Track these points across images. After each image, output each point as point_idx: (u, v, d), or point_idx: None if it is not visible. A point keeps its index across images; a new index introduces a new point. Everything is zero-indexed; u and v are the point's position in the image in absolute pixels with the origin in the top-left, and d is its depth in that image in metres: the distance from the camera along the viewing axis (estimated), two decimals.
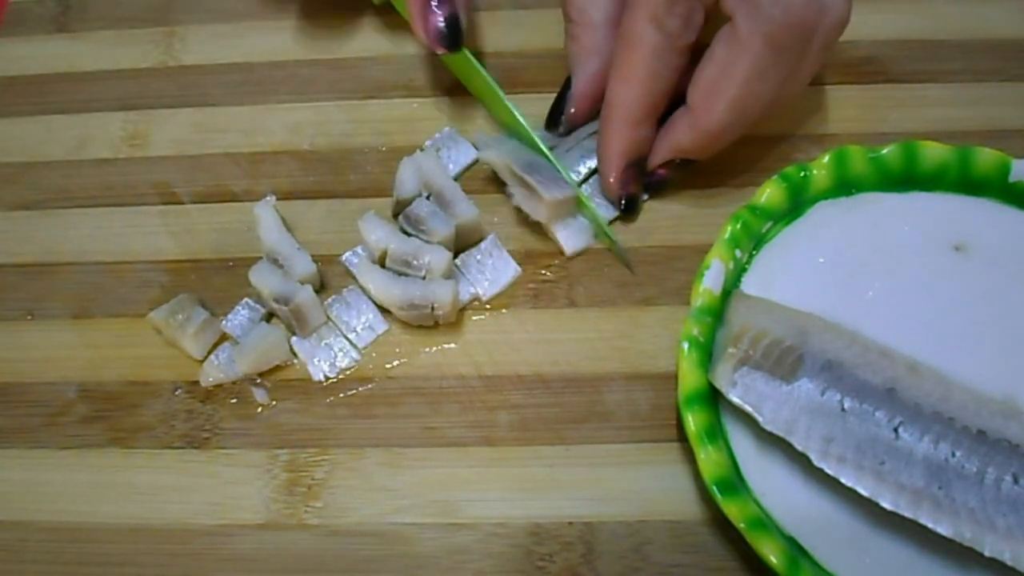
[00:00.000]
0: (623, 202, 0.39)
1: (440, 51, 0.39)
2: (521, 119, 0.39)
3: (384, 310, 0.38)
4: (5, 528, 0.35)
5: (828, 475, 0.30)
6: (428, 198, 0.39)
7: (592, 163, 0.40)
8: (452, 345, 0.38)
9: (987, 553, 0.28)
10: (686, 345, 0.33)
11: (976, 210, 0.36)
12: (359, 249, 0.39)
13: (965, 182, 0.36)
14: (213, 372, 0.37)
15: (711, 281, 0.34)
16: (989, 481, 0.29)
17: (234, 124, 0.45)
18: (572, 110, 0.40)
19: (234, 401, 0.37)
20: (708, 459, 0.31)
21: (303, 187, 0.42)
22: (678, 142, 0.37)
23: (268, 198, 0.40)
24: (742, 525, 0.30)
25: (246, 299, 0.38)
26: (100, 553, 0.34)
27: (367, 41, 0.47)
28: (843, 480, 0.30)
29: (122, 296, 0.40)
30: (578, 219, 0.39)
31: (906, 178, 0.37)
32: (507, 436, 0.36)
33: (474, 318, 0.38)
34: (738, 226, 0.35)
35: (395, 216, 0.40)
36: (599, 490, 0.34)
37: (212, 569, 0.34)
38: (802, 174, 0.37)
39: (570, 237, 0.39)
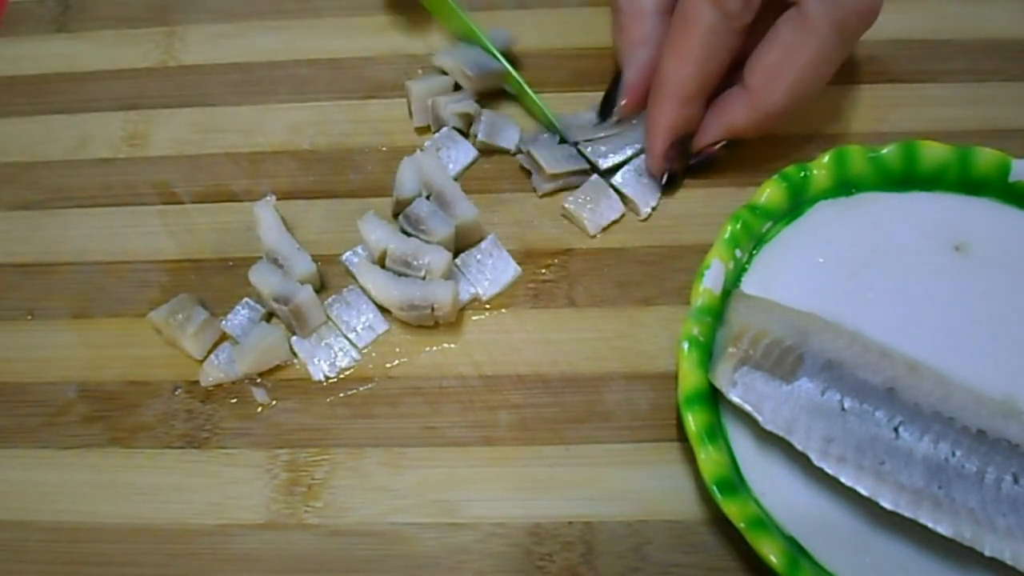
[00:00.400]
0: (665, 177, 0.39)
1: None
2: (476, 28, 0.42)
3: (384, 310, 0.38)
4: (5, 528, 0.35)
5: (828, 475, 0.30)
6: (428, 198, 0.39)
7: (631, 150, 0.40)
8: (452, 345, 0.38)
9: (987, 553, 0.28)
10: (686, 345, 0.33)
11: (976, 210, 0.36)
12: (359, 249, 0.39)
13: (965, 182, 0.36)
14: (213, 372, 0.37)
15: (711, 281, 0.34)
16: (989, 481, 0.29)
17: (234, 124, 0.45)
18: (623, 101, 0.40)
19: (234, 401, 0.37)
20: (708, 459, 0.31)
21: (303, 187, 0.42)
22: (733, 122, 0.37)
23: (268, 198, 0.40)
24: (742, 525, 0.30)
25: (246, 299, 0.38)
26: (100, 553, 0.34)
27: (367, 41, 0.47)
28: (843, 480, 0.30)
29: (122, 296, 0.40)
30: (643, 178, 0.40)
31: (906, 178, 0.37)
32: (507, 436, 0.36)
33: (474, 318, 0.38)
34: (738, 226, 0.35)
35: (395, 216, 0.40)
36: (599, 490, 0.34)
37: (212, 569, 0.34)
38: (802, 174, 0.37)
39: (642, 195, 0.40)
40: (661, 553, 0.33)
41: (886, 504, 0.29)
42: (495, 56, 0.43)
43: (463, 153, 0.42)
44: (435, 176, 0.39)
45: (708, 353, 0.34)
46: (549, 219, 0.40)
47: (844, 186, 0.37)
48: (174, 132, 0.45)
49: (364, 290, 0.38)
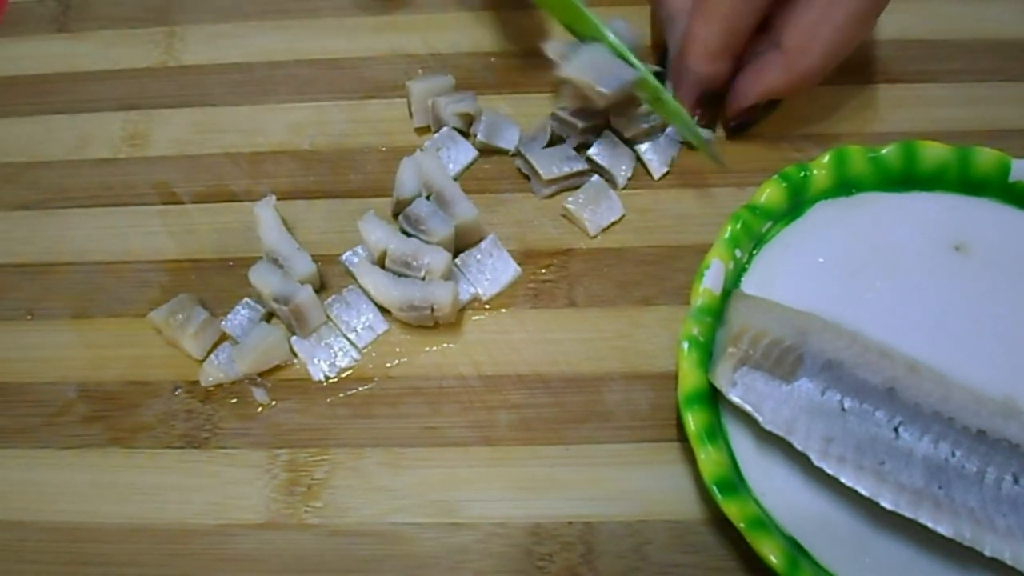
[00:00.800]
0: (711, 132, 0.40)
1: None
2: (600, 25, 0.38)
3: (384, 310, 0.38)
4: (5, 528, 0.35)
5: (828, 475, 0.30)
6: (428, 198, 0.39)
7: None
8: (452, 345, 0.38)
9: (987, 553, 0.28)
10: (686, 345, 0.33)
11: (976, 210, 0.36)
12: (359, 249, 0.39)
13: (965, 182, 0.36)
14: (213, 372, 0.37)
15: (711, 281, 0.34)
16: (989, 481, 0.29)
17: (234, 124, 0.45)
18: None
19: (234, 401, 0.37)
20: (708, 459, 0.31)
21: (303, 187, 0.42)
22: (771, 84, 0.38)
23: (268, 198, 0.40)
24: (742, 525, 0.30)
25: (246, 299, 0.38)
26: (100, 553, 0.34)
27: (367, 41, 0.47)
28: (843, 480, 0.30)
29: (122, 296, 0.40)
30: (661, 137, 0.40)
31: (906, 178, 0.37)
32: (507, 436, 0.36)
33: (474, 318, 0.38)
34: (738, 226, 0.35)
35: (395, 216, 0.40)
36: (599, 490, 0.34)
37: (212, 569, 0.34)
38: (802, 174, 0.37)
39: (655, 155, 0.40)
40: (661, 553, 0.33)
41: (886, 504, 0.29)
42: (626, 58, 0.37)
43: (463, 153, 0.42)
44: (435, 176, 0.39)
45: (708, 353, 0.34)
46: (549, 219, 0.40)
47: (844, 186, 0.37)
48: (174, 132, 0.45)
49: (364, 290, 0.38)
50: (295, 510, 0.35)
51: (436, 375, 0.37)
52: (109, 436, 0.37)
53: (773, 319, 0.33)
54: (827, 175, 0.37)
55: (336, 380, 0.37)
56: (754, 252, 0.36)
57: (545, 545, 0.33)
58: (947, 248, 0.35)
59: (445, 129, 0.42)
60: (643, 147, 0.41)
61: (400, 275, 0.37)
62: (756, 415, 0.31)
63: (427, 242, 0.38)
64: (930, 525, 0.29)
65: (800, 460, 0.31)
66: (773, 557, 0.29)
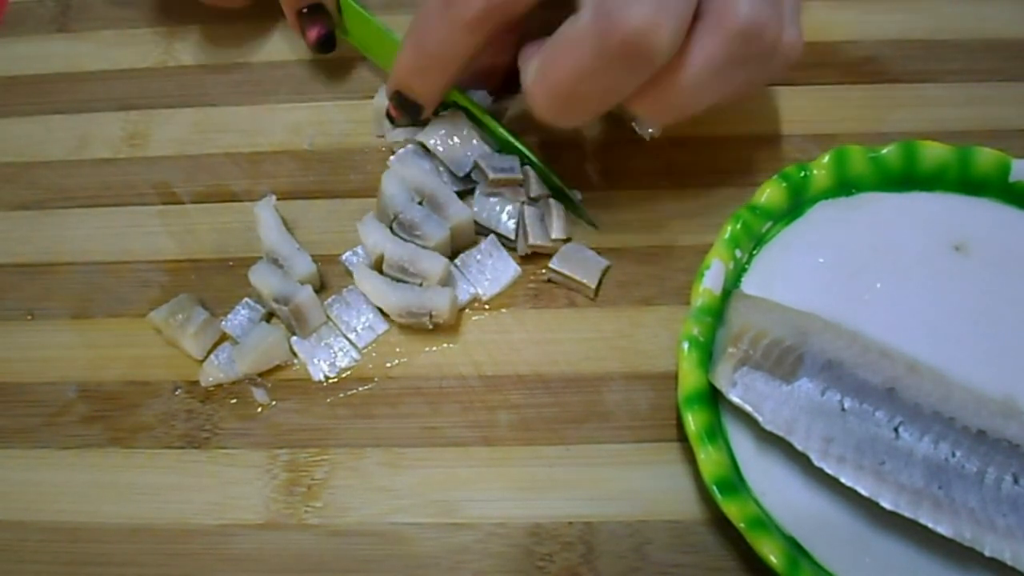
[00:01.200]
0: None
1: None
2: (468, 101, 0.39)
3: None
4: (5, 528, 0.35)
5: (828, 475, 0.30)
6: (420, 203, 0.39)
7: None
8: (452, 345, 0.38)
9: (987, 553, 0.28)
10: (686, 345, 0.33)
11: (976, 210, 0.36)
12: (359, 249, 0.39)
13: (965, 182, 0.36)
14: (213, 372, 0.37)
15: (711, 281, 0.34)
16: (989, 481, 0.29)
17: (234, 124, 0.45)
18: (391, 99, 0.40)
19: (234, 401, 0.37)
20: (708, 459, 0.31)
21: (303, 187, 0.42)
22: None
23: (268, 198, 0.40)
24: (742, 525, 0.30)
25: (246, 299, 0.38)
26: (100, 553, 0.34)
27: None
28: (843, 480, 0.30)
29: (122, 296, 0.40)
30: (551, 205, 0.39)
31: (906, 178, 0.37)
32: (507, 436, 0.36)
33: (474, 318, 0.38)
34: (738, 226, 0.35)
35: (390, 227, 0.40)
36: (599, 490, 0.34)
37: (212, 569, 0.34)
38: (802, 174, 0.37)
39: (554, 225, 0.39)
40: (661, 553, 0.33)
41: (886, 504, 0.29)
42: (484, 122, 0.39)
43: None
44: (424, 181, 0.39)
45: (708, 353, 0.34)
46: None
47: (844, 186, 0.37)
48: (174, 132, 0.45)
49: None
50: (295, 510, 0.35)
51: (436, 375, 0.37)
52: (109, 436, 0.37)
53: (773, 319, 0.33)
54: (827, 175, 0.37)
55: (336, 380, 0.37)
56: (754, 252, 0.36)
57: (545, 545, 0.33)
58: (947, 248, 0.35)
59: (409, 147, 0.41)
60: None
61: (398, 280, 0.37)
62: (756, 415, 0.31)
63: (423, 247, 0.37)
64: (930, 525, 0.29)
65: (800, 460, 0.31)
66: (773, 557, 0.29)
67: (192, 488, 0.35)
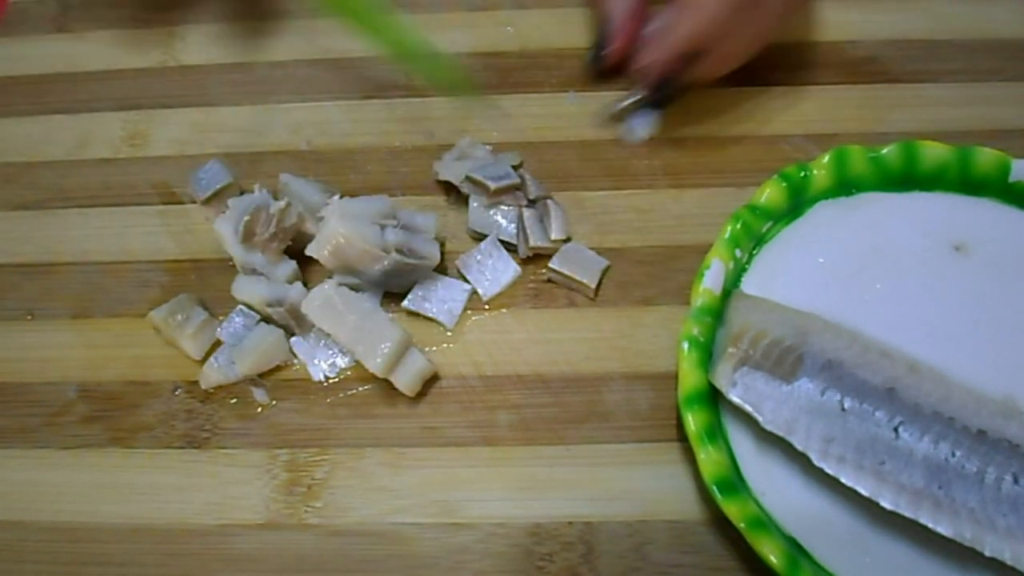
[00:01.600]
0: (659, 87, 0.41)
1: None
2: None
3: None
4: (5, 528, 0.35)
5: (828, 475, 0.30)
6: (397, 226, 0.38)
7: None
8: (452, 345, 0.38)
9: (987, 553, 0.28)
10: (686, 345, 0.33)
11: (976, 210, 0.36)
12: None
13: (965, 182, 0.36)
14: (213, 375, 0.37)
15: (711, 281, 0.34)
16: (989, 481, 0.29)
17: (234, 124, 0.45)
18: (611, 48, 0.42)
19: (234, 401, 0.37)
20: (708, 459, 0.31)
21: None
22: (681, 34, 0.38)
23: (226, 213, 0.38)
24: (742, 525, 0.30)
25: (240, 307, 0.38)
26: (100, 553, 0.34)
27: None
28: (843, 480, 0.30)
29: (121, 296, 0.40)
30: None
31: (906, 178, 0.37)
32: (507, 436, 0.36)
33: (474, 318, 0.38)
34: (738, 226, 0.35)
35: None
36: (599, 490, 0.34)
37: (212, 569, 0.34)
38: (802, 174, 0.37)
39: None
40: (661, 553, 0.33)
41: (886, 504, 0.29)
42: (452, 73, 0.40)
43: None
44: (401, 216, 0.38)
45: (708, 353, 0.34)
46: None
47: (844, 186, 0.37)
48: (174, 132, 0.45)
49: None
50: (295, 510, 0.35)
51: (436, 375, 0.37)
52: (109, 436, 0.37)
53: (773, 319, 0.33)
54: (827, 175, 0.37)
55: (336, 380, 0.37)
56: (754, 252, 0.36)
57: (545, 545, 0.33)
58: (947, 248, 0.35)
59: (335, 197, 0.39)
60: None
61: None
62: (756, 415, 0.31)
63: (426, 265, 0.37)
64: (930, 525, 0.29)
65: (800, 460, 0.31)
66: (773, 557, 0.29)
67: (192, 488, 0.35)
